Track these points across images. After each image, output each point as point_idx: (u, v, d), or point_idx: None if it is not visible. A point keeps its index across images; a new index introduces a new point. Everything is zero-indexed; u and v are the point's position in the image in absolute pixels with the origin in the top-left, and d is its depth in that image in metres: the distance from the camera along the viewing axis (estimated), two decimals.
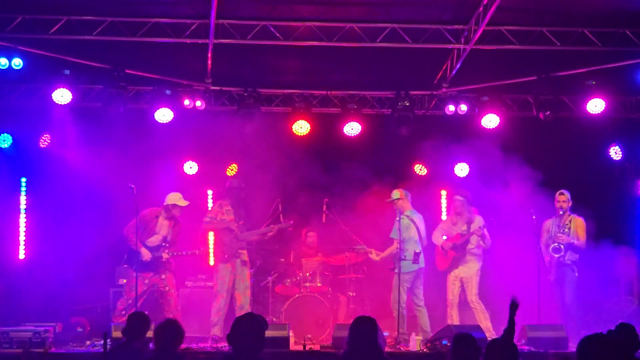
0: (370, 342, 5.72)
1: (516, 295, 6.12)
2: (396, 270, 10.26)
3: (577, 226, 10.41)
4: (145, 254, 10.35)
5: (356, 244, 11.10)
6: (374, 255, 10.80)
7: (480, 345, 5.67)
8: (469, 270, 10.51)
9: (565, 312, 10.24)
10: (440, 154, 11.97)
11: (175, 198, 10.48)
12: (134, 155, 11.19)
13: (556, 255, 10.34)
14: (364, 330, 5.76)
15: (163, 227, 10.50)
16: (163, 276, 10.44)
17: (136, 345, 6.54)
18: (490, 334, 10.07)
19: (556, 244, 10.36)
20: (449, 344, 8.67)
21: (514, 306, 6.04)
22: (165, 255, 10.42)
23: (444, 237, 10.72)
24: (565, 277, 10.33)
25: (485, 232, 10.48)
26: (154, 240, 10.41)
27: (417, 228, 10.49)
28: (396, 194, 10.56)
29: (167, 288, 10.43)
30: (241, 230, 10.61)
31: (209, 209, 12.20)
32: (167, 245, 10.47)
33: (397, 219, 10.32)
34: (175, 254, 10.52)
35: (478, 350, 5.59)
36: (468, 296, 10.48)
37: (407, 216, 10.49)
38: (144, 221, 10.36)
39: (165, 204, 10.47)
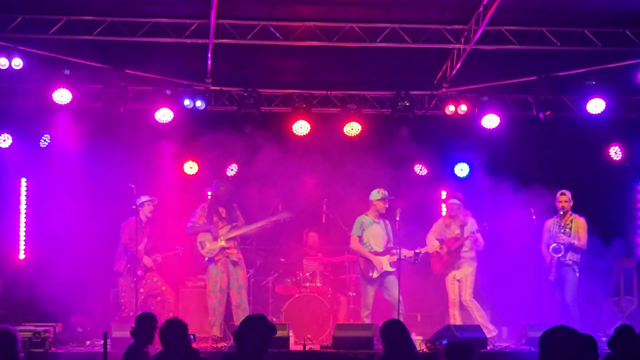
0: (404, 343, 5.75)
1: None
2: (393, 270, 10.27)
3: (579, 226, 10.40)
4: (148, 261, 10.41)
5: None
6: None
7: (478, 347, 5.69)
8: (464, 271, 10.55)
9: (566, 312, 10.23)
10: (440, 154, 11.98)
11: (143, 198, 10.47)
12: (133, 155, 11.18)
13: (556, 255, 10.33)
14: (396, 332, 5.76)
15: (144, 231, 10.52)
16: (155, 279, 10.52)
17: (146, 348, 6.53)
18: (489, 330, 10.08)
19: (556, 244, 10.35)
20: None
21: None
22: (158, 259, 10.52)
23: (436, 242, 10.69)
24: (566, 277, 10.32)
25: (478, 235, 10.49)
26: (141, 247, 10.40)
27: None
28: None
29: (163, 288, 10.53)
30: (230, 231, 10.52)
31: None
32: (152, 248, 10.55)
33: (397, 218, 10.30)
34: (164, 255, 10.66)
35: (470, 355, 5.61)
36: (462, 296, 10.51)
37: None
38: (133, 229, 10.30)
39: (137, 206, 10.37)
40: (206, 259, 10.41)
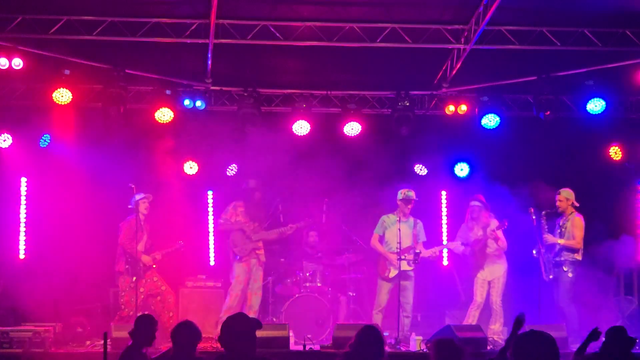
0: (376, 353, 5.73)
1: (523, 314, 6.13)
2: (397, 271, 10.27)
3: (574, 225, 10.36)
4: (147, 260, 10.40)
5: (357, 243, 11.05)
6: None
7: (478, 347, 5.65)
8: (496, 272, 10.52)
9: (561, 313, 10.22)
10: (440, 154, 11.97)
11: (137, 196, 10.44)
12: (133, 155, 11.18)
13: (536, 255, 10.33)
14: (371, 341, 5.73)
15: (144, 229, 10.52)
16: (155, 278, 10.51)
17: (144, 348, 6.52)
18: (498, 337, 10.07)
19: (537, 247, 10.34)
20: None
21: (518, 323, 6.05)
22: (158, 257, 10.51)
23: (462, 247, 10.70)
24: (559, 278, 10.29)
25: (499, 234, 10.45)
26: (141, 246, 10.41)
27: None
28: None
29: (163, 287, 10.52)
30: (256, 231, 10.65)
31: (213, 210, 12.22)
32: (151, 246, 10.55)
33: (397, 218, 10.29)
34: (164, 252, 10.63)
35: (460, 354, 5.59)
36: (492, 297, 10.47)
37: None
38: (132, 229, 10.29)
39: (134, 205, 10.35)
40: (238, 257, 10.51)
